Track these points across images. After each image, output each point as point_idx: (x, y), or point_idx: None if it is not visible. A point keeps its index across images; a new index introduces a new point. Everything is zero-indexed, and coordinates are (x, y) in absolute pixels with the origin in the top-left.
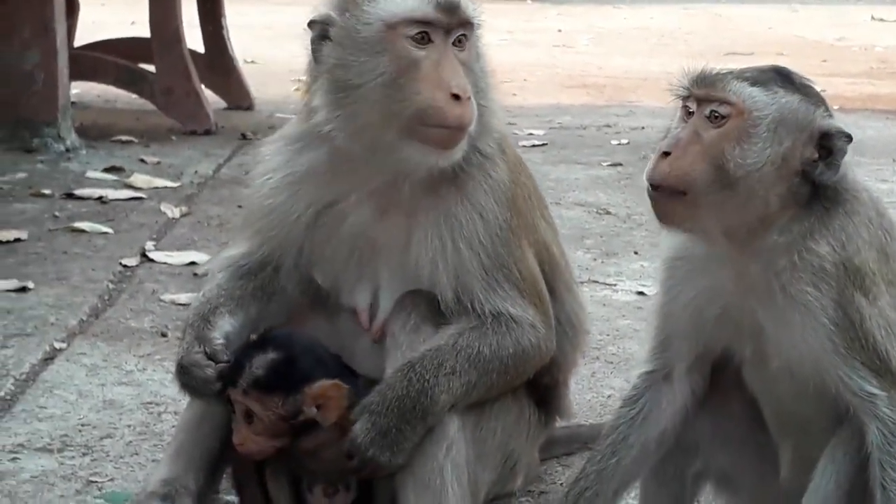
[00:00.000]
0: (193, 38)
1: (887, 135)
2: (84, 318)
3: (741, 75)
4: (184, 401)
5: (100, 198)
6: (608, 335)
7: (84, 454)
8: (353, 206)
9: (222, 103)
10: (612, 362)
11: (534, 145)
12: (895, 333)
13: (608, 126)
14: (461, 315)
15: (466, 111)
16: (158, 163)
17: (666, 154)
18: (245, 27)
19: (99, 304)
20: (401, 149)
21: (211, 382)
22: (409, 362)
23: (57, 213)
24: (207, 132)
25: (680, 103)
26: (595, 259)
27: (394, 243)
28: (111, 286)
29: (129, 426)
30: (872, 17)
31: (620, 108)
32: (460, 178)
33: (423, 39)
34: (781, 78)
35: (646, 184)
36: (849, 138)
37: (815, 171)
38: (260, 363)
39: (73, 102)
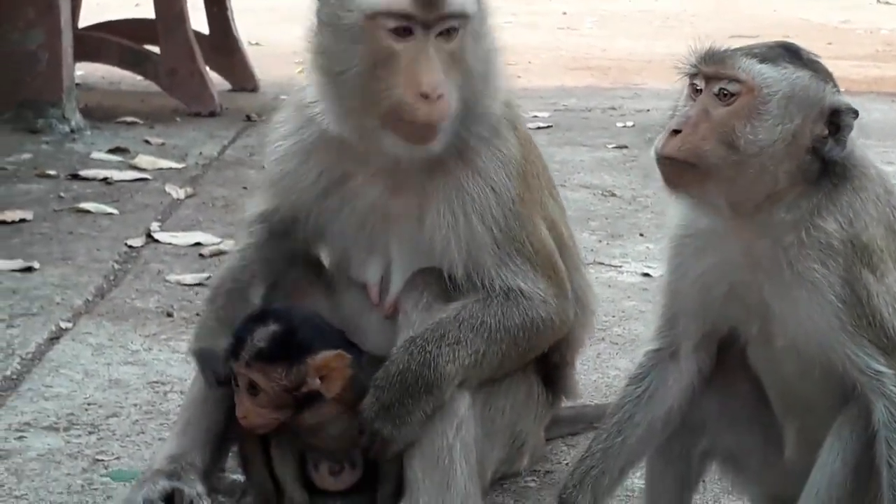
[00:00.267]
0: (198, 20)
1: (893, 117)
2: (90, 298)
3: (750, 52)
4: (189, 380)
5: (105, 179)
6: (613, 316)
7: (90, 433)
8: (363, 182)
9: (227, 85)
10: (617, 343)
11: (538, 127)
12: None
13: (613, 108)
14: (472, 291)
15: (435, 110)
16: (163, 144)
17: (675, 132)
18: (249, 9)
19: (104, 284)
20: (381, 138)
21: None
22: (412, 336)
23: (62, 194)
24: (212, 114)
25: (687, 82)
26: (600, 241)
27: (405, 219)
28: (116, 266)
29: (135, 405)
30: (878, 0)
31: (625, 90)
32: (470, 154)
33: (403, 33)
34: (790, 54)
35: (653, 157)
36: (856, 114)
37: (825, 148)
38: (261, 335)
39: (77, 83)
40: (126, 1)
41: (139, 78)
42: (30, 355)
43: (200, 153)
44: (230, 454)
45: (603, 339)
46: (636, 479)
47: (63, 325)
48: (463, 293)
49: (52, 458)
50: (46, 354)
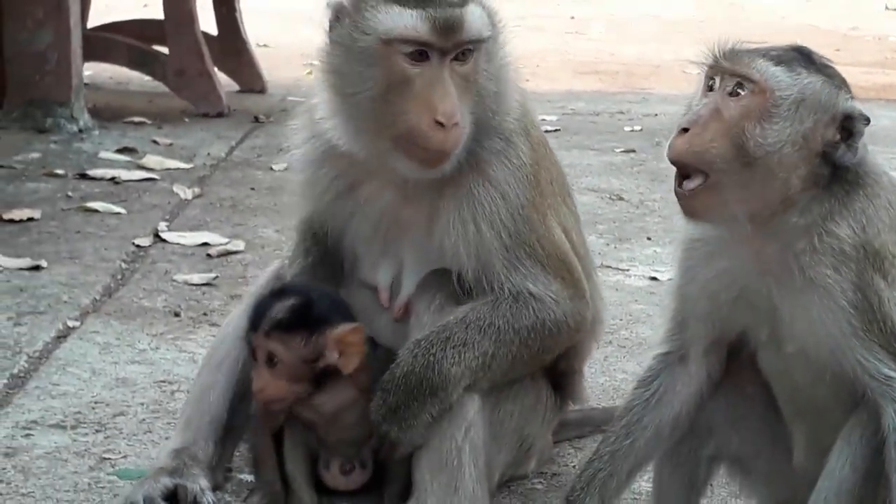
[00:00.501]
0: (207, 21)
1: None
2: (97, 297)
3: (766, 53)
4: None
5: (112, 178)
6: (621, 320)
7: (97, 431)
8: (375, 189)
9: (235, 86)
10: (624, 346)
11: (546, 131)
12: None
13: (621, 112)
14: (483, 294)
15: (449, 138)
16: (171, 144)
17: (685, 130)
18: (258, 10)
19: (112, 283)
20: (392, 159)
21: None
22: (418, 339)
23: (70, 193)
24: (220, 114)
25: (702, 79)
26: (608, 244)
27: (417, 225)
28: (124, 266)
29: (141, 404)
30: (886, 7)
31: (633, 94)
32: (482, 164)
33: (419, 57)
34: (803, 58)
35: (661, 169)
36: (868, 121)
37: (837, 153)
38: (281, 307)
39: (85, 83)
40: (135, 1)
41: (147, 78)
42: (37, 353)
43: (208, 154)
44: (237, 453)
45: (610, 342)
46: (644, 483)
47: (70, 323)
48: (474, 296)
49: (59, 457)
50: (54, 353)
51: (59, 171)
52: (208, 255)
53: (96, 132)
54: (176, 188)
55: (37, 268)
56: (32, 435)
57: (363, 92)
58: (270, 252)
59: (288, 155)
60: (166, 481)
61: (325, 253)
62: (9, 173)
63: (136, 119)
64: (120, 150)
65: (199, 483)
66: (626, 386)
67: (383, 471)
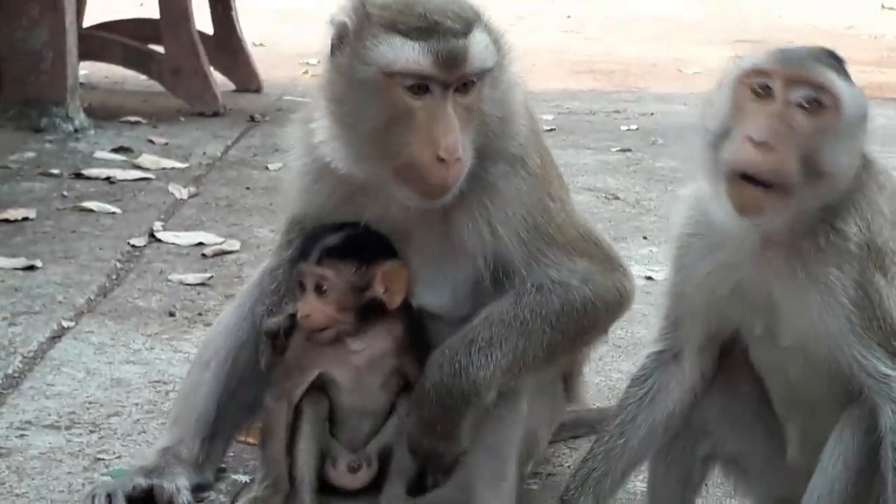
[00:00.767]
0: (202, 20)
1: None
2: (92, 297)
3: (826, 62)
4: None
5: (108, 178)
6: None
7: (91, 431)
8: (378, 204)
9: (230, 85)
10: (620, 346)
11: (542, 130)
12: None
13: (617, 111)
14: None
15: (450, 173)
16: (166, 144)
17: (752, 141)
18: (254, 9)
19: (107, 283)
20: (392, 187)
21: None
22: (441, 347)
23: (65, 193)
24: (215, 114)
25: (738, 81)
26: None
27: (426, 233)
28: (119, 265)
29: (136, 404)
30: (882, 6)
31: (629, 93)
32: (488, 186)
33: (421, 90)
34: (842, 64)
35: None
36: None
37: None
38: (334, 238)
39: (81, 83)
40: (130, 0)
41: (143, 77)
42: (32, 353)
43: (204, 153)
44: (231, 454)
45: (605, 341)
46: (638, 483)
47: (65, 323)
48: (493, 297)
49: (54, 457)
50: (48, 353)
51: (55, 171)
52: (203, 254)
53: (92, 131)
54: (171, 188)
55: (32, 267)
56: (27, 435)
57: (364, 122)
58: (266, 252)
59: (283, 166)
60: (140, 481)
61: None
62: (4, 173)
63: (132, 118)
64: (115, 150)
65: (176, 482)
66: (622, 386)
67: (386, 471)
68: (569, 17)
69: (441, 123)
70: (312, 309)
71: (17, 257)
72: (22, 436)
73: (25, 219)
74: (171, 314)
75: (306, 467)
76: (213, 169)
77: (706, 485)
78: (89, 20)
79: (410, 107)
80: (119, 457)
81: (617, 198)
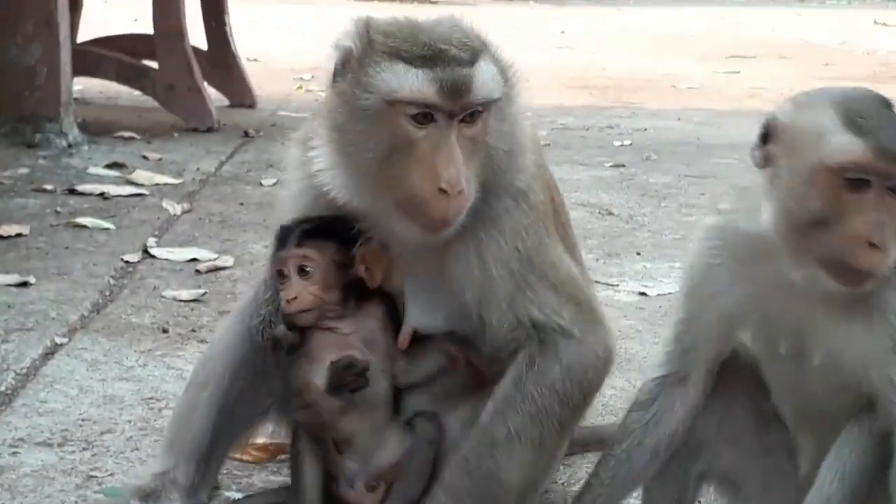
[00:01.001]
0: (196, 36)
1: None
2: (85, 314)
3: None
4: None
5: (101, 194)
6: None
7: (84, 449)
8: (379, 233)
9: (225, 101)
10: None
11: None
12: None
13: (611, 127)
14: (492, 335)
15: (452, 205)
16: (160, 159)
17: (868, 243)
18: (248, 25)
19: (100, 299)
20: (393, 219)
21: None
22: (463, 455)
23: (59, 209)
24: (210, 129)
25: (833, 174)
26: (597, 259)
27: (423, 263)
28: (112, 282)
29: (129, 421)
30: (875, 22)
31: (623, 109)
32: (488, 221)
33: (425, 119)
34: None
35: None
36: None
37: None
38: (310, 222)
39: (75, 98)
40: (125, 16)
41: (137, 93)
42: (24, 370)
43: (198, 169)
44: (224, 471)
45: None
46: (632, 500)
47: (58, 340)
48: (484, 334)
49: (46, 474)
50: (41, 370)
51: (48, 187)
52: (197, 270)
53: (85, 147)
54: (165, 204)
55: (25, 284)
56: (19, 453)
57: (365, 152)
58: (260, 268)
59: (277, 182)
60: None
61: None
62: None
63: (126, 134)
64: (109, 166)
65: None
66: (615, 402)
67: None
68: (563, 32)
69: (444, 154)
70: (298, 291)
71: (11, 273)
72: (14, 453)
73: (19, 235)
74: (165, 330)
75: (313, 489)
76: (207, 185)
77: (699, 502)
78: (83, 36)
79: (413, 137)
80: (112, 474)
81: (611, 213)
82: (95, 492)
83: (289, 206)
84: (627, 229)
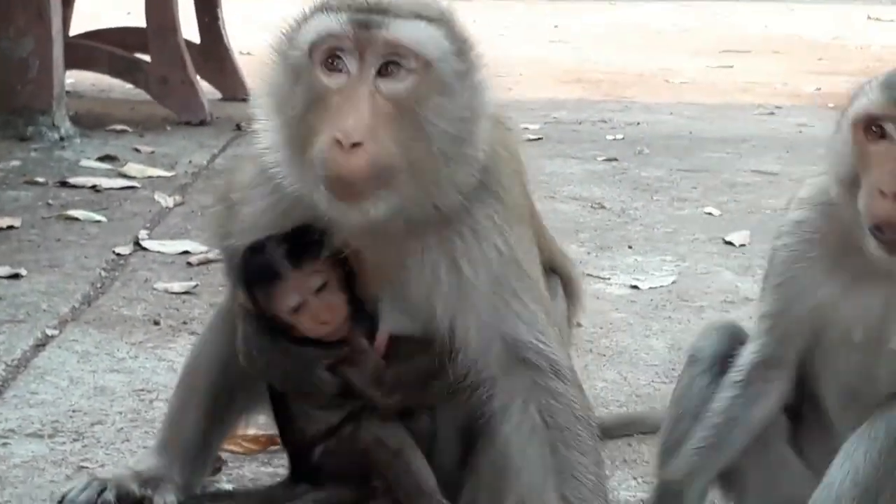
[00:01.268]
0: (189, 29)
1: None
2: (76, 306)
3: None
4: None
5: (93, 186)
6: (601, 328)
7: (75, 440)
8: (330, 224)
9: (217, 94)
10: (604, 355)
11: (529, 139)
12: None
13: (603, 121)
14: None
15: (350, 161)
16: (152, 152)
17: (882, 193)
18: (241, 18)
19: (91, 291)
20: (317, 194)
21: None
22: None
23: (50, 201)
24: (202, 122)
25: (852, 123)
26: (589, 252)
27: (385, 262)
28: (104, 274)
29: (120, 413)
30: (868, 17)
31: (616, 103)
32: (442, 228)
33: (334, 64)
34: None
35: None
36: None
37: None
38: (278, 248)
39: (67, 91)
40: (117, 9)
41: (129, 86)
42: (15, 362)
43: (190, 162)
44: (219, 467)
45: (590, 350)
46: (623, 491)
47: (49, 332)
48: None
49: (36, 465)
50: (32, 361)
51: (40, 179)
52: (189, 263)
53: (78, 140)
54: (157, 196)
55: (16, 276)
56: (9, 444)
57: (289, 112)
58: None
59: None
60: (133, 487)
61: None
62: None
63: (118, 127)
64: (101, 158)
65: (165, 499)
66: (606, 394)
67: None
68: (556, 26)
69: (349, 101)
70: (329, 307)
71: (2, 265)
72: (5, 444)
73: (10, 227)
74: (156, 323)
75: (432, 480)
76: (200, 178)
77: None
78: (76, 29)
79: (326, 87)
80: (102, 465)
81: (603, 207)
82: None
83: (249, 227)
84: (619, 223)
